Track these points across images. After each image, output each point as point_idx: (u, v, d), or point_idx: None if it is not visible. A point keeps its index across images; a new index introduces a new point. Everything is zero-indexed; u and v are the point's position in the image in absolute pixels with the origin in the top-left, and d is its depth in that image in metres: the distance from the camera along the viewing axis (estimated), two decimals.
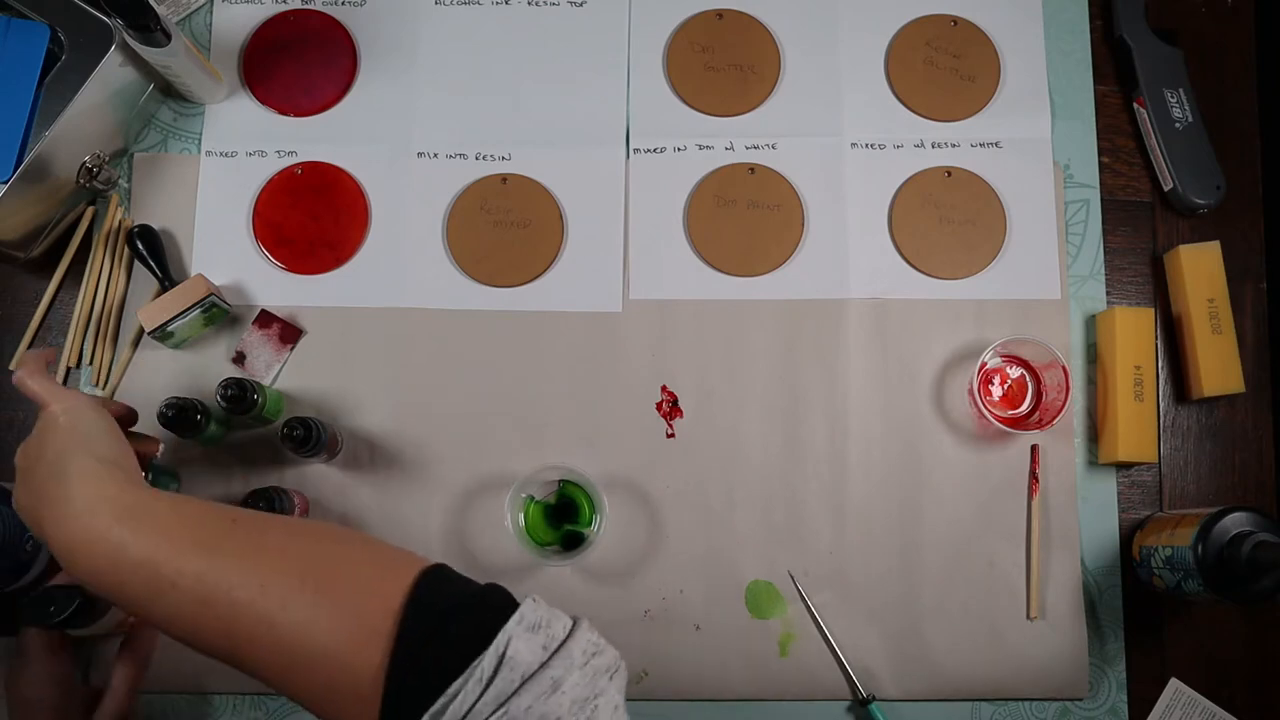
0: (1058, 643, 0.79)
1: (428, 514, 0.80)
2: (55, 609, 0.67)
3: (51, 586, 0.70)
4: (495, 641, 0.46)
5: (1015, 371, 0.82)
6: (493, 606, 0.48)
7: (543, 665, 0.46)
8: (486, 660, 0.45)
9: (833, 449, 0.81)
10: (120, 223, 0.83)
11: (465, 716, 0.44)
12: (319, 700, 0.49)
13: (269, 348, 0.81)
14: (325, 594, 0.49)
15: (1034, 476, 0.80)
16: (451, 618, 0.47)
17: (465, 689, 0.45)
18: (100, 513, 0.53)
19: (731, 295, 0.83)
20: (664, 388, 0.82)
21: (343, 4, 0.87)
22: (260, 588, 0.49)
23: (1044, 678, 0.78)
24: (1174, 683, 0.79)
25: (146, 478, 0.74)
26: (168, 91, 0.85)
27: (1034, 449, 0.81)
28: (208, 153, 0.85)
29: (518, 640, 0.46)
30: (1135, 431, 0.79)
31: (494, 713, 0.44)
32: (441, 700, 0.45)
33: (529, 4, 0.87)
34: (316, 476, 0.80)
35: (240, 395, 0.74)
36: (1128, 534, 0.81)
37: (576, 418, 0.81)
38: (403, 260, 0.83)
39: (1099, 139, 0.86)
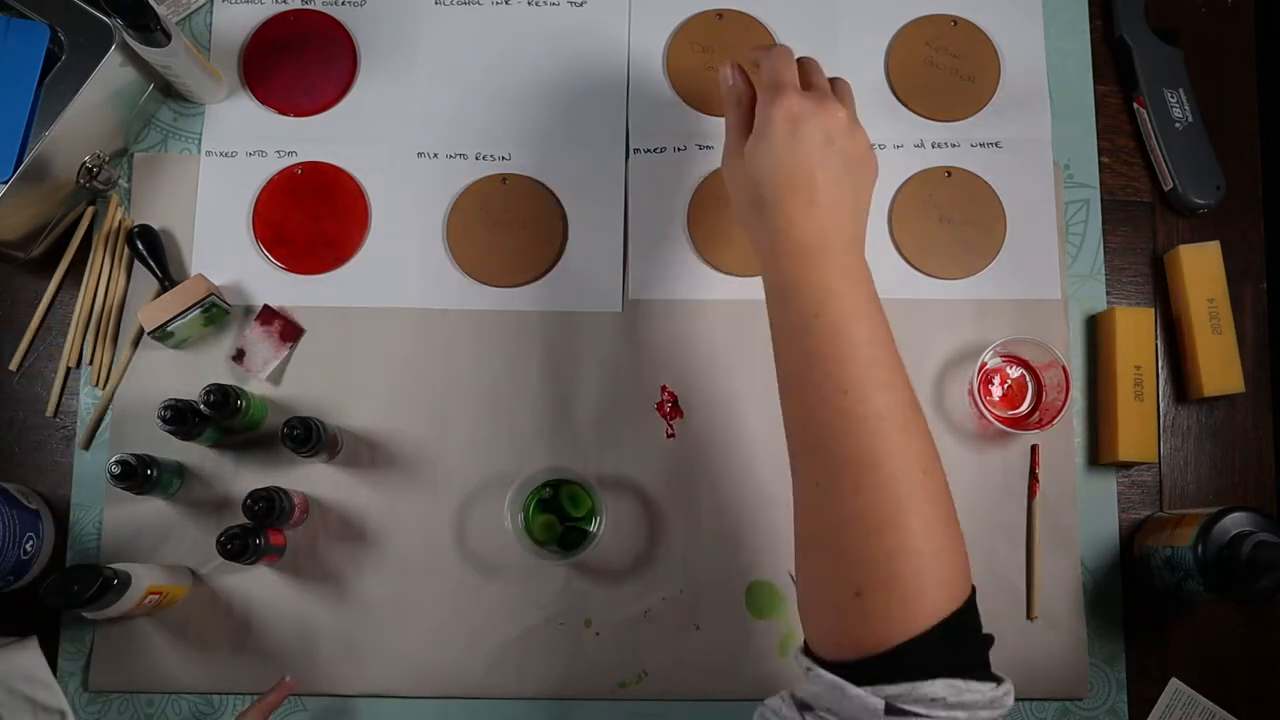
0: (1058, 643, 0.79)
1: (428, 513, 0.80)
2: (79, 589, 0.68)
3: (71, 568, 0.70)
4: (1007, 685, 0.54)
5: (1015, 371, 0.82)
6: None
7: None
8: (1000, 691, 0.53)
9: None
10: (120, 223, 0.83)
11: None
12: (827, 541, 0.57)
13: (268, 344, 0.81)
14: (951, 518, 0.57)
15: (1034, 476, 0.80)
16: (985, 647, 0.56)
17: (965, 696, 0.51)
18: (843, 242, 0.62)
19: (731, 295, 0.83)
20: (664, 388, 0.82)
21: (343, 4, 0.87)
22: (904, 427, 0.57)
23: (1044, 678, 0.78)
24: (1174, 683, 0.79)
25: (152, 475, 0.74)
26: (168, 91, 0.85)
27: (1034, 449, 0.81)
28: (208, 153, 0.85)
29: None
30: (1135, 431, 0.79)
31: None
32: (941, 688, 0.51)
33: (529, 4, 0.87)
34: (316, 476, 0.80)
35: (223, 401, 0.73)
36: (1128, 534, 0.81)
37: (576, 418, 0.81)
38: (403, 260, 0.83)
39: (1099, 139, 0.86)
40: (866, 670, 0.52)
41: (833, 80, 0.69)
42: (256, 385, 0.81)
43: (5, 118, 0.74)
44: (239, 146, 0.85)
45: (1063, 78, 0.86)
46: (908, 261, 0.83)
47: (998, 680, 0.54)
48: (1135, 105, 0.86)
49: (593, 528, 0.77)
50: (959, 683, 0.51)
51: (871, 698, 0.51)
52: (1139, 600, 0.80)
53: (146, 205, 0.84)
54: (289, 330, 0.81)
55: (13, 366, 0.82)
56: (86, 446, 0.81)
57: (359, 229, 0.84)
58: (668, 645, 0.78)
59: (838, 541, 0.56)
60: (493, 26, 0.87)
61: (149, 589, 0.73)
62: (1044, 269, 0.83)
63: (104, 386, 0.81)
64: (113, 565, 0.71)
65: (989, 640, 0.57)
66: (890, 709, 0.51)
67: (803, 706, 0.53)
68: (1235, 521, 0.71)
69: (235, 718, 0.75)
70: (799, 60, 0.68)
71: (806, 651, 0.57)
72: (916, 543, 0.54)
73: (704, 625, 0.78)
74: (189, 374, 0.81)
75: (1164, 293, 0.84)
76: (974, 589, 0.57)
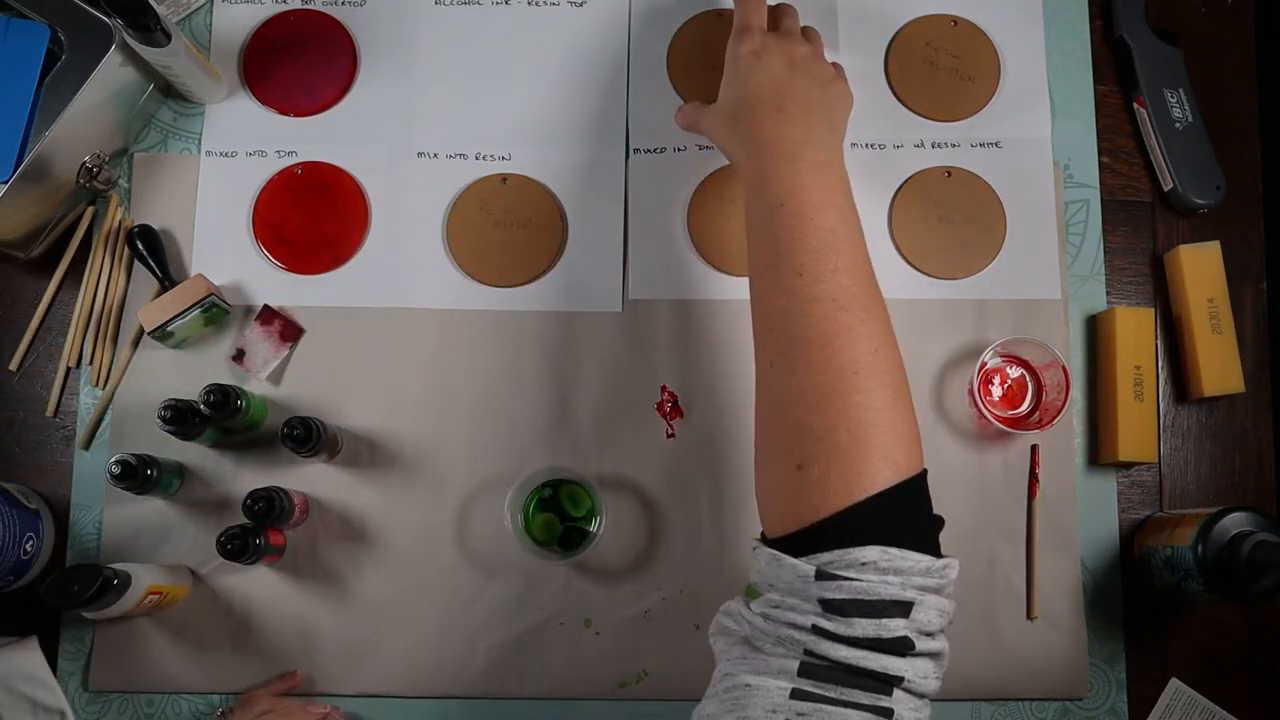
0: (1058, 643, 0.79)
1: (428, 514, 0.80)
2: (79, 589, 0.68)
3: (71, 568, 0.70)
4: (950, 560, 0.54)
5: (1015, 371, 0.82)
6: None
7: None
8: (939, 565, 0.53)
9: None
10: (120, 223, 0.83)
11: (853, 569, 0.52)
12: (779, 416, 0.58)
13: (268, 344, 0.81)
14: (900, 396, 0.58)
15: (1034, 476, 0.80)
16: (930, 524, 0.56)
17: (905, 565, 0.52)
18: (815, 146, 0.66)
19: (732, 295, 0.83)
20: (664, 388, 0.82)
21: (343, 4, 0.87)
22: (863, 319, 0.59)
23: (1044, 678, 0.78)
24: (1174, 683, 0.79)
25: (152, 475, 0.74)
26: (168, 91, 0.85)
27: (1034, 449, 0.81)
28: (208, 153, 0.85)
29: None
30: (1135, 431, 0.79)
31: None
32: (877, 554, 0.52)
33: (529, 4, 0.87)
34: (316, 476, 0.80)
35: (223, 401, 0.74)
36: (1128, 534, 0.81)
37: (576, 418, 0.81)
38: (403, 260, 0.83)
39: (1099, 139, 0.86)
40: (804, 541, 0.54)
41: (805, 28, 0.76)
42: (256, 385, 0.81)
43: (5, 118, 0.74)
44: (239, 146, 0.85)
45: (1063, 78, 0.86)
46: (908, 261, 0.83)
47: (939, 556, 0.54)
48: (1135, 105, 0.86)
49: (593, 528, 0.77)
50: (893, 550, 0.52)
51: (804, 565, 0.52)
52: (1139, 600, 0.80)
53: (146, 205, 0.84)
54: (289, 330, 0.81)
55: (13, 366, 0.82)
56: (86, 446, 0.81)
57: (359, 229, 0.84)
58: (668, 645, 0.78)
59: (782, 417, 0.58)
60: (492, 26, 0.87)
61: (149, 589, 0.73)
62: (1044, 269, 0.83)
63: (104, 386, 0.81)
64: (113, 565, 0.71)
65: (937, 521, 0.57)
66: (821, 574, 0.52)
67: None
68: (1235, 521, 0.71)
69: (241, 696, 0.76)
70: (775, 7, 0.76)
71: (761, 538, 0.58)
72: (858, 416, 0.55)
73: (704, 625, 0.78)
74: (189, 374, 0.81)
75: (1164, 293, 0.84)
76: (924, 471, 0.57)
